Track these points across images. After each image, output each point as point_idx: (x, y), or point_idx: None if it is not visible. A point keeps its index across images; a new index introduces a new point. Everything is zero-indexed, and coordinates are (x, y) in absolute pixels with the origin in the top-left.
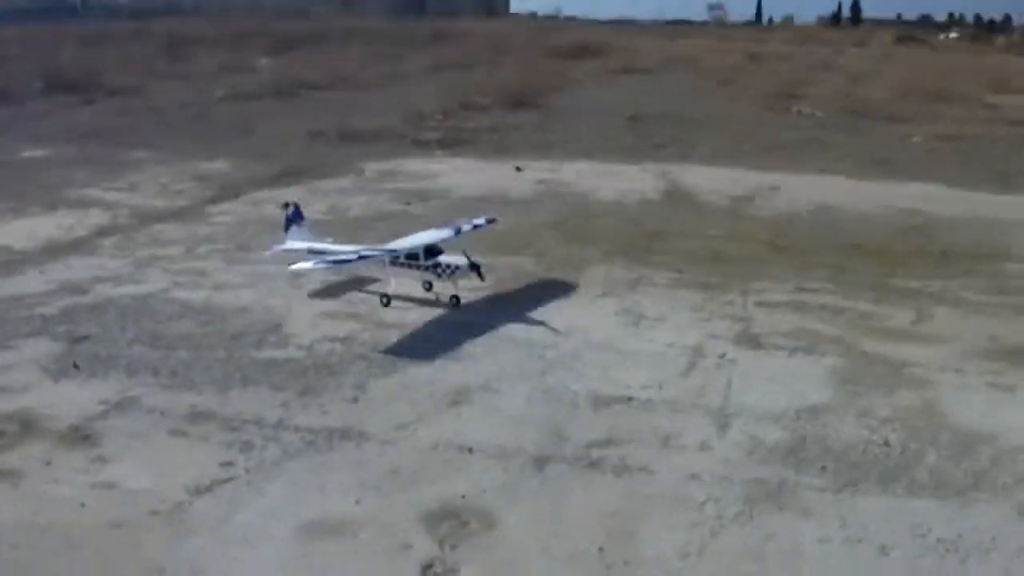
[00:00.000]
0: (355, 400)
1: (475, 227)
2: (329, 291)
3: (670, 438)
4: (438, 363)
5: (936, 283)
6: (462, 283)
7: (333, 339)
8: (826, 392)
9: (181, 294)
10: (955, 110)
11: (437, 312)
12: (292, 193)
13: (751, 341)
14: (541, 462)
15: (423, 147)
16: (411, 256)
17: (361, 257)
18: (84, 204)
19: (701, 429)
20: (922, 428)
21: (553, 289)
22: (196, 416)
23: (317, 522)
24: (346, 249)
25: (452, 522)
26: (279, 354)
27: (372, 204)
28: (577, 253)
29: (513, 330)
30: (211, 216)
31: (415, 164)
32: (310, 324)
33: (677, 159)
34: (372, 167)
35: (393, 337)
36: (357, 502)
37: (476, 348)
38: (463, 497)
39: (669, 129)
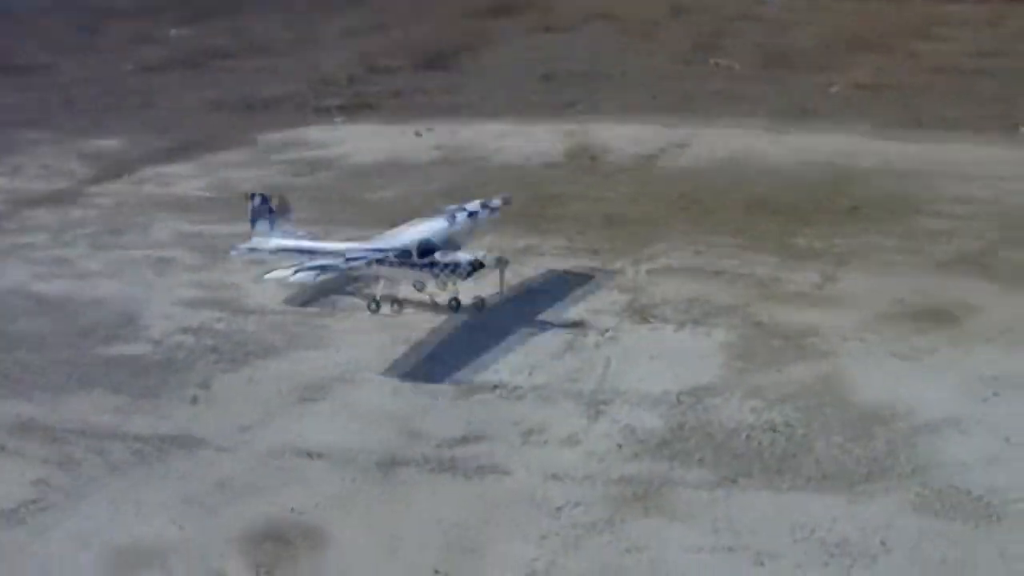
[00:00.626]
0: (195, 401)
1: (471, 214)
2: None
3: (533, 432)
4: (293, 353)
5: (843, 241)
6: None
7: (186, 330)
8: (713, 370)
9: (38, 287)
10: (877, 58)
11: (291, 293)
12: (184, 170)
13: (637, 314)
14: (386, 466)
15: (324, 114)
16: (403, 255)
17: (348, 260)
18: None
19: (569, 420)
20: (815, 409)
21: None
22: (19, 427)
23: (126, 549)
24: (325, 248)
25: (275, 543)
26: (127, 350)
27: (264, 179)
28: None
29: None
30: (88, 198)
31: (315, 133)
32: (165, 315)
33: (587, 118)
34: (270, 137)
35: (251, 326)
36: (175, 523)
37: (337, 333)
38: (293, 511)
39: (582, 87)
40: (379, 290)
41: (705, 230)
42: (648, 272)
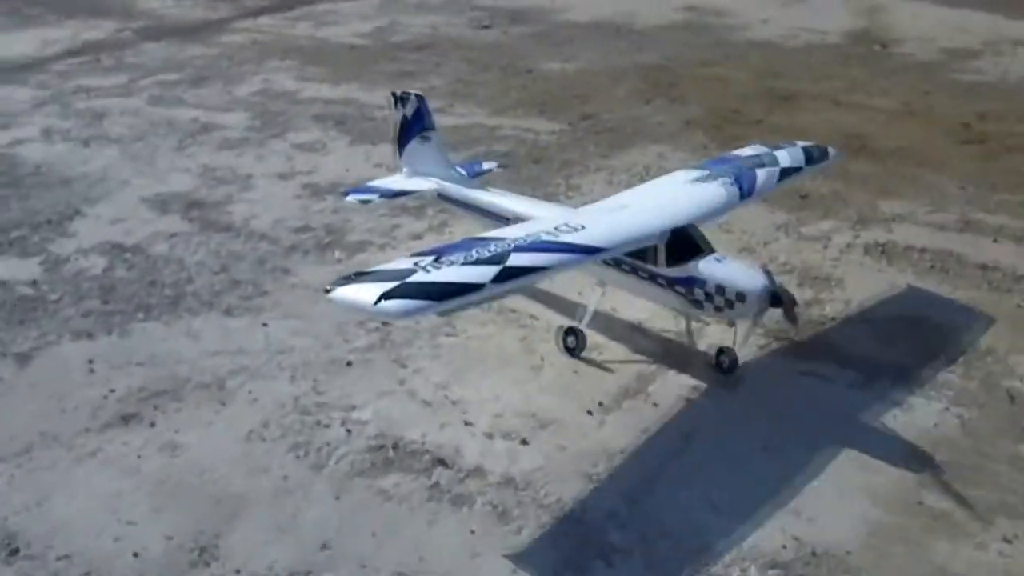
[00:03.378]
0: None
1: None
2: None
3: None
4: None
5: None
6: None
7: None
8: None
9: (28, 150)
10: None
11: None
12: (362, 8)
13: None
14: None
15: None
16: (640, 255)
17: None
18: None
19: None
20: None
21: None
22: None
23: None
24: (498, 208)
25: None
26: None
27: (440, 27)
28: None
29: None
30: (225, 35)
31: None
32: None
33: None
34: None
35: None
36: None
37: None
38: None
39: None
40: (588, 316)
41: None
42: None
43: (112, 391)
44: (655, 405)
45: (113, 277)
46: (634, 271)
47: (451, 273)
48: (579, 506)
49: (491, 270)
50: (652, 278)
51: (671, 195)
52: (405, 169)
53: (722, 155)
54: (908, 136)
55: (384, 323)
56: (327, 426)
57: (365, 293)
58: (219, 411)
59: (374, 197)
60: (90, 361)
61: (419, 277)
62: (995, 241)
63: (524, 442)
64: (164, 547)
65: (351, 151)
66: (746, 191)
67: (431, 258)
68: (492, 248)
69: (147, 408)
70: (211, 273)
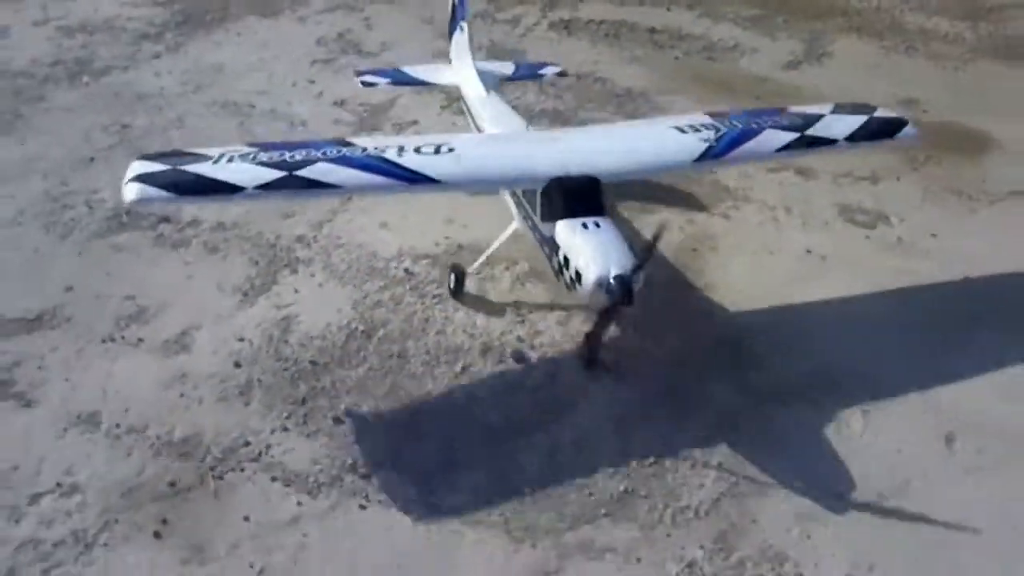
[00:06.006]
0: None
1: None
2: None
3: None
4: None
5: None
6: None
7: None
8: None
9: None
10: None
11: None
12: None
13: None
14: None
15: None
16: (531, 201)
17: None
18: None
19: None
20: None
21: None
22: None
23: None
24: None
25: None
26: None
27: None
28: None
29: None
30: None
31: None
32: None
33: None
34: None
35: None
36: None
37: None
38: None
39: None
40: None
41: None
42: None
43: None
44: None
45: None
46: (527, 217)
47: (231, 169)
48: (274, 235)
49: (268, 176)
50: (535, 229)
51: (612, 138)
52: (452, 60)
53: (766, 109)
54: None
55: (124, 126)
56: (72, 207)
57: (136, 169)
58: None
59: (384, 81)
60: None
61: (197, 167)
62: (668, 9)
63: None
64: None
65: None
66: (714, 152)
67: (254, 151)
68: (306, 154)
69: None
70: None
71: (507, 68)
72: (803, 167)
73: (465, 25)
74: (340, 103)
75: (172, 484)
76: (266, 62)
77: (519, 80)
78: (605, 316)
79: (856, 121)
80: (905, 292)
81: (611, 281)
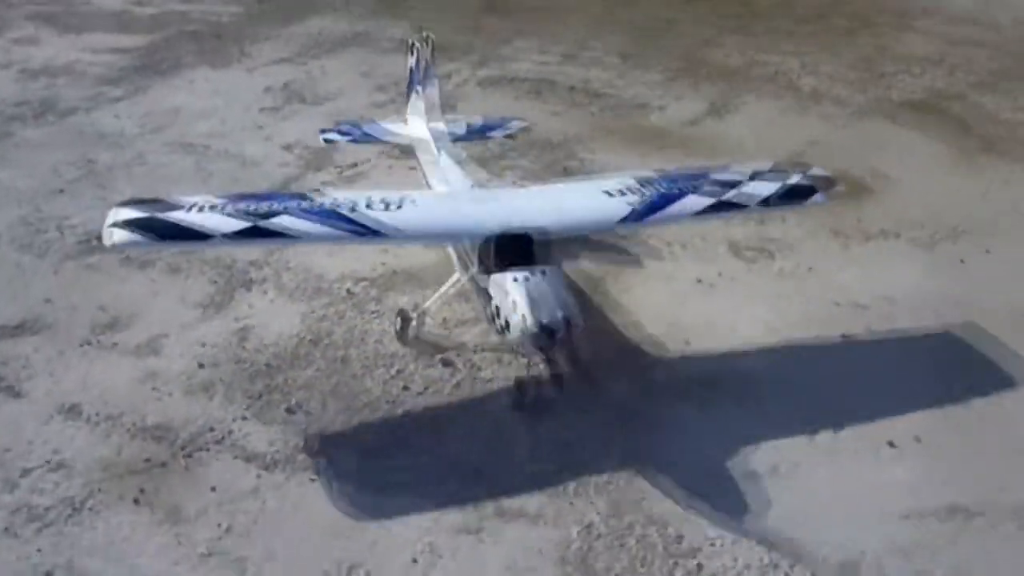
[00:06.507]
0: None
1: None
2: None
3: None
4: None
5: (776, 59)
6: None
7: None
8: None
9: None
10: None
11: None
12: None
13: None
14: None
15: None
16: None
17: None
18: None
19: None
20: None
21: None
22: None
23: None
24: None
25: None
26: None
27: None
28: None
29: None
30: None
31: None
32: None
33: None
34: None
35: None
36: None
37: None
38: None
39: None
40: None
41: (617, 25)
42: (479, 82)
43: None
44: None
45: None
46: (466, 268)
47: (202, 218)
48: (230, 258)
49: (237, 226)
50: (472, 279)
51: (546, 199)
52: (407, 119)
53: (697, 169)
54: None
55: (89, 161)
56: (46, 231)
57: (116, 215)
58: None
59: (345, 139)
60: None
61: (172, 215)
62: (587, 70)
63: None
64: None
65: (60, 40)
66: (635, 216)
67: (224, 201)
68: (270, 206)
69: None
70: None
71: (459, 128)
72: None
73: (420, 89)
74: (287, 147)
75: (147, 460)
76: (218, 108)
77: (470, 140)
78: (532, 361)
79: (771, 187)
80: (780, 311)
81: (535, 330)
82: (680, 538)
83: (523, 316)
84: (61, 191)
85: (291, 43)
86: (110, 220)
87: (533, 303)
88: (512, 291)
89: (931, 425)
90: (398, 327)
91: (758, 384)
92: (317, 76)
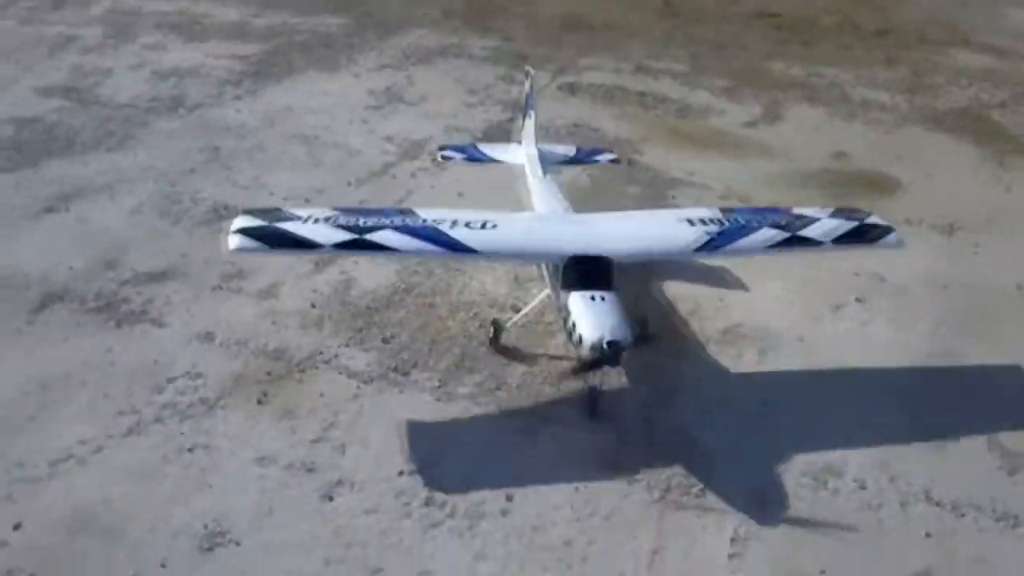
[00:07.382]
0: None
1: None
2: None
3: None
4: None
5: (832, 71)
6: None
7: None
8: None
9: None
10: None
11: None
12: None
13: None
14: None
15: None
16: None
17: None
18: None
19: None
20: None
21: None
22: None
23: None
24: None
25: None
26: None
27: None
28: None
29: None
30: None
31: None
32: None
33: None
34: None
35: None
36: None
37: None
38: None
39: None
40: (522, 313)
41: (674, 42)
42: (559, 87)
43: (36, 197)
44: None
45: (20, 138)
46: (551, 285)
47: (313, 230)
48: None
49: (343, 237)
50: (554, 296)
51: (629, 224)
52: (520, 142)
53: (768, 207)
54: (616, 13)
55: (215, 148)
56: (180, 202)
57: (239, 223)
58: (112, 198)
59: (460, 157)
60: (16, 184)
61: (287, 225)
62: (655, 79)
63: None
64: (83, 265)
65: (186, 47)
66: (713, 245)
67: (336, 214)
68: (376, 220)
69: (61, 203)
70: (92, 129)
71: (568, 151)
72: None
73: (533, 113)
74: (388, 138)
75: (268, 373)
76: (327, 106)
77: (576, 164)
78: (590, 367)
79: (846, 226)
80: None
81: (604, 346)
82: None
83: (596, 332)
84: (192, 171)
85: (391, 53)
86: (233, 227)
87: (604, 322)
88: (588, 309)
89: None
90: (491, 335)
91: None
92: (415, 80)
